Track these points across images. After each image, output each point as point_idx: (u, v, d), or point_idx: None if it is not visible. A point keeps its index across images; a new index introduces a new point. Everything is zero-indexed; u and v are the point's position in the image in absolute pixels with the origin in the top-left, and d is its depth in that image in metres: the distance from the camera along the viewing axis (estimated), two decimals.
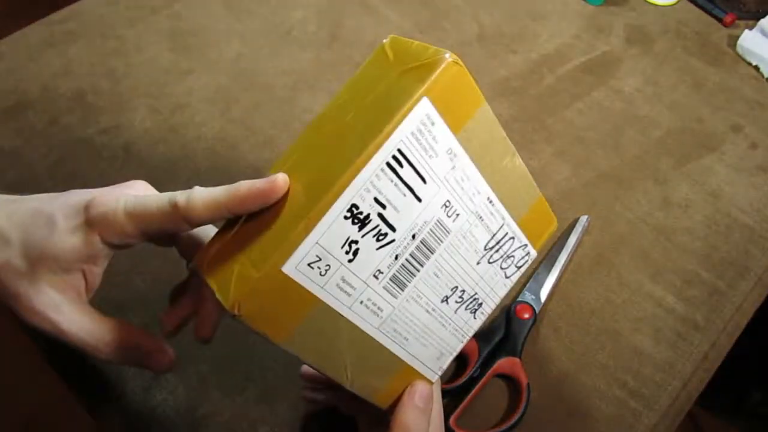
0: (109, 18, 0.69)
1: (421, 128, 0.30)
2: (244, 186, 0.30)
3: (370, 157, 0.29)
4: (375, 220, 0.31)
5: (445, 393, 0.46)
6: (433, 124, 0.31)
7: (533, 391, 0.46)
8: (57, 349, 0.52)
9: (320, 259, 0.30)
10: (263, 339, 0.31)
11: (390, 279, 0.33)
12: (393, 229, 0.32)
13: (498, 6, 0.73)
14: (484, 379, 0.46)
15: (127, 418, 0.46)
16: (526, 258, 0.38)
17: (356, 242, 0.31)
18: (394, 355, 0.35)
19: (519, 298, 0.50)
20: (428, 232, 0.33)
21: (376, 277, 0.32)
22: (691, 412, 0.49)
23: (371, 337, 0.34)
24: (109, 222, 0.33)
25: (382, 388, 0.36)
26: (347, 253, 0.31)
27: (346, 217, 0.30)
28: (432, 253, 0.34)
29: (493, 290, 0.37)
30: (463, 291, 0.36)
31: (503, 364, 0.47)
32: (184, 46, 0.66)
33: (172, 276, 0.51)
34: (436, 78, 0.30)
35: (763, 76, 0.68)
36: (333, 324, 0.32)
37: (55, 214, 0.33)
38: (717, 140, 0.62)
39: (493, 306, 0.38)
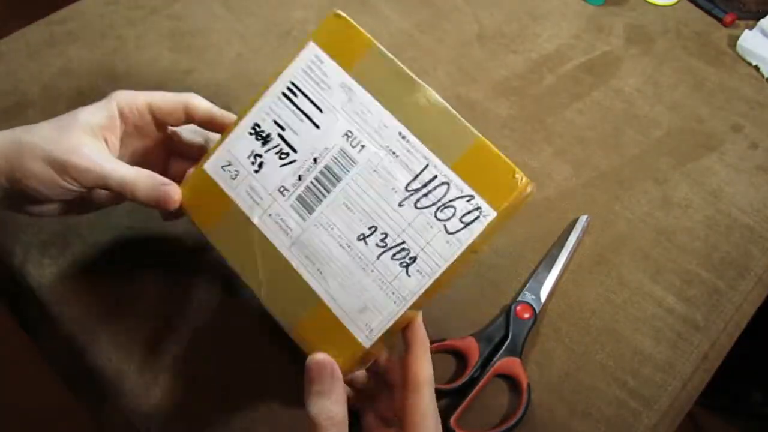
0: (109, 18, 0.69)
1: (311, 66, 0.38)
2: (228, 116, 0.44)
3: (267, 89, 0.40)
4: (276, 140, 0.39)
5: (445, 393, 0.46)
6: (321, 62, 0.38)
7: (533, 391, 0.46)
8: (57, 350, 0.52)
9: (230, 164, 0.39)
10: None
11: (296, 198, 0.38)
12: (294, 150, 0.38)
13: (498, 6, 0.73)
14: (484, 380, 0.46)
15: (127, 418, 0.46)
16: (477, 213, 0.34)
17: (260, 156, 0.39)
18: (308, 285, 0.36)
19: (519, 298, 0.50)
20: (331, 158, 0.37)
21: (282, 193, 0.38)
22: (691, 412, 0.49)
23: (282, 255, 0.37)
24: (126, 96, 0.43)
25: (297, 320, 0.37)
26: (253, 164, 0.39)
27: (250, 133, 0.39)
28: (338, 181, 0.37)
29: (430, 245, 0.35)
30: (386, 234, 0.35)
31: (504, 364, 0.47)
32: (184, 46, 0.66)
33: (170, 273, 0.51)
34: (321, 27, 0.38)
35: (763, 76, 0.68)
36: (246, 229, 0.38)
37: (78, 108, 0.42)
38: (717, 140, 0.62)
39: (435, 267, 0.35)
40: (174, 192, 0.41)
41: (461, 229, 0.34)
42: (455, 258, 0.35)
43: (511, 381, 0.47)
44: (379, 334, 0.36)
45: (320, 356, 0.35)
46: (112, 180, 0.40)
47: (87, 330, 0.49)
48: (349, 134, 0.37)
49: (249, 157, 0.39)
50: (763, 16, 0.71)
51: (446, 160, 0.35)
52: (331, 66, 0.38)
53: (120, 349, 0.48)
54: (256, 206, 0.38)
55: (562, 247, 0.53)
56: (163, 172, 0.48)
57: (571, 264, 0.53)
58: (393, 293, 0.35)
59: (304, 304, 0.37)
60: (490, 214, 0.34)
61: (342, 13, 0.38)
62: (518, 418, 0.44)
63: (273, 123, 0.39)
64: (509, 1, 0.74)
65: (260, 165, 0.39)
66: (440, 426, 0.38)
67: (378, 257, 0.36)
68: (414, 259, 0.35)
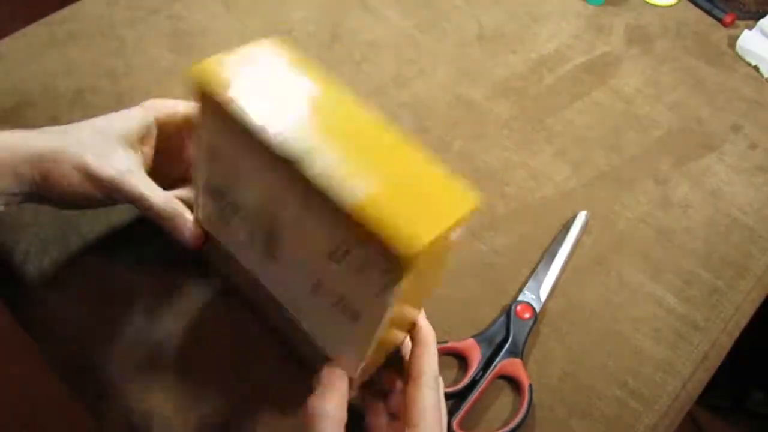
0: (109, 18, 0.69)
1: None
2: None
3: None
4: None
5: (447, 396, 0.46)
6: None
7: (533, 391, 0.46)
8: (57, 349, 0.52)
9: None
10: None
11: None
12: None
13: (498, 6, 0.73)
14: (486, 382, 0.46)
15: (127, 418, 0.46)
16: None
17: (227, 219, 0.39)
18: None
19: (519, 298, 0.50)
20: None
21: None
22: (691, 412, 0.50)
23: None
24: (164, 109, 0.45)
25: None
26: None
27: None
28: None
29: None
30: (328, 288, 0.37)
31: (505, 365, 0.47)
32: (184, 46, 0.66)
33: (171, 273, 0.51)
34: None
35: (762, 76, 0.68)
36: None
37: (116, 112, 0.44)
38: (717, 140, 0.62)
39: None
40: (193, 235, 0.44)
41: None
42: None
43: (512, 382, 0.47)
44: (358, 370, 0.37)
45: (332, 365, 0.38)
46: (142, 200, 0.42)
47: (87, 330, 0.49)
48: None
49: (218, 215, 0.41)
50: (763, 16, 0.72)
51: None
52: None
53: (120, 348, 0.48)
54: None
55: (561, 243, 0.53)
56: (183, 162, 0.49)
57: (572, 264, 0.53)
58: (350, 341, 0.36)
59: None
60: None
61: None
62: (520, 420, 0.44)
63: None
64: (509, 1, 0.74)
65: (228, 223, 0.41)
66: (445, 420, 0.38)
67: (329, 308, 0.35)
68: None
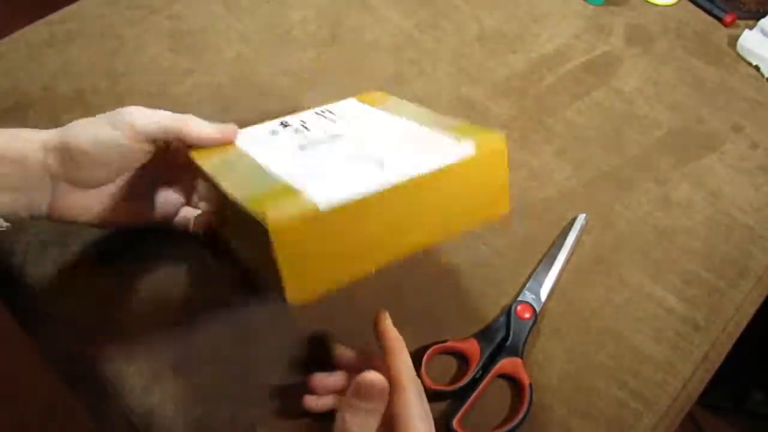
0: (109, 18, 0.69)
1: (345, 104, 0.50)
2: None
3: (305, 111, 0.49)
4: (297, 126, 0.46)
5: (447, 395, 0.46)
6: (355, 104, 0.50)
7: (533, 391, 0.46)
8: (57, 349, 0.52)
9: (251, 135, 0.46)
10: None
11: (298, 147, 0.43)
12: (308, 130, 0.45)
13: (498, 6, 0.73)
14: (486, 381, 0.46)
15: (127, 418, 0.46)
16: (459, 148, 0.39)
17: (278, 132, 0.46)
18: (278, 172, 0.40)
19: (519, 298, 0.50)
20: (343, 133, 0.44)
21: (286, 145, 0.44)
22: (691, 412, 0.50)
23: (263, 163, 0.41)
24: (143, 114, 0.44)
25: (257, 195, 0.37)
26: (270, 134, 0.46)
27: (279, 124, 0.47)
28: (342, 140, 0.43)
29: (412, 157, 0.39)
30: (375, 151, 0.40)
31: (505, 364, 0.47)
32: (184, 46, 0.66)
33: (170, 273, 0.51)
34: (363, 94, 0.51)
35: (763, 76, 0.68)
36: (237, 154, 0.43)
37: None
38: (717, 140, 0.62)
39: (410, 169, 0.38)
40: (231, 124, 0.45)
41: (441, 152, 0.39)
42: (429, 170, 0.38)
43: (512, 381, 0.47)
44: (336, 202, 0.35)
45: (372, 375, 0.36)
46: (170, 122, 0.42)
47: (87, 330, 0.49)
48: (363, 126, 0.45)
49: (269, 131, 0.46)
50: (764, 16, 0.72)
51: (444, 131, 0.41)
52: (360, 105, 0.49)
53: (120, 348, 0.48)
54: (255, 145, 0.44)
55: (560, 246, 0.53)
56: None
57: (572, 264, 0.53)
58: (363, 177, 0.37)
59: (269, 181, 0.38)
60: (470, 149, 0.39)
61: (383, 91, 0.51)
62: (521, 419, 0.44)
63: (299, 121, 0.47)
64: (509, 1, 0.74)
65: (275, 134, 0.46)
66: (431, 424, 0.38)
67: (361, 156, 0.39)
68: (394, 160, 0.38)
